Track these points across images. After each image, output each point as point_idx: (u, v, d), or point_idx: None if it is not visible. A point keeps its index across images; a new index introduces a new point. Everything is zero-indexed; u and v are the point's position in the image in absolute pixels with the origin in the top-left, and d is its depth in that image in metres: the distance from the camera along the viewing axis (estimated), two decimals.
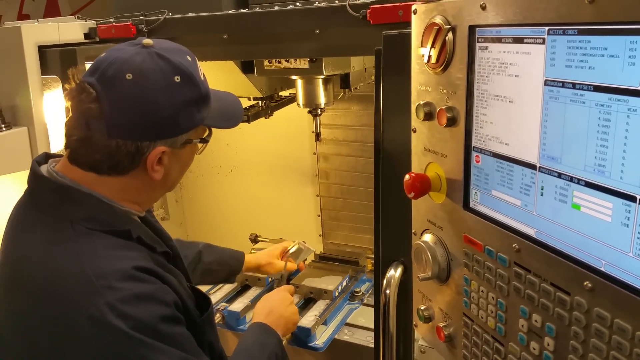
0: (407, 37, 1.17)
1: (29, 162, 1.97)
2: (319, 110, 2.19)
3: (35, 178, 1.11)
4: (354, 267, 2.26)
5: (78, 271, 0.98)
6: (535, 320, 0.85)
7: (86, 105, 1.02)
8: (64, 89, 1.06)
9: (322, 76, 2.05)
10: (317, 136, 2.30)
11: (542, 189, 0.82)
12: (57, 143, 2.04)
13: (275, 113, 2.42)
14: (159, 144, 1.07)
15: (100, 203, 1.08)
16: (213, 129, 1.22)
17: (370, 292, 2.18)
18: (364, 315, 2.04)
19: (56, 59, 1.94)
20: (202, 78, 1.15)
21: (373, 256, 2.43)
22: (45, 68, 1.96)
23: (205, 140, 1.20)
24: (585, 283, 0.75)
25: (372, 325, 1.89)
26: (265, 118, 2.35)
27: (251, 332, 1.47)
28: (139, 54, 1.06)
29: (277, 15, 1.78)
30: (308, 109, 2.21)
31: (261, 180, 2.86)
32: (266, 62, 2.02)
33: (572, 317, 0.78)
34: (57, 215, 1.06)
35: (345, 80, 2.13)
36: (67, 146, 1.10)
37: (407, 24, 1.52)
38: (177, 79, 1.06)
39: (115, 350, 0.96)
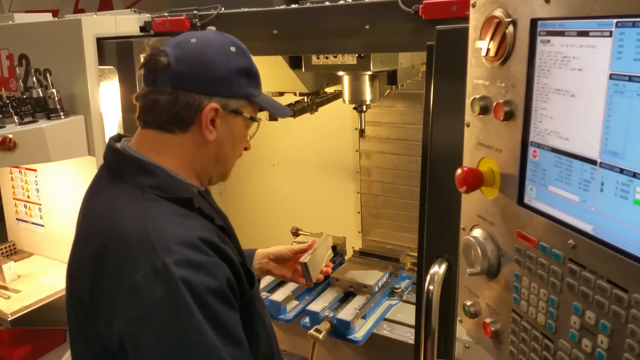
0: (461, 32, 1.16)
1: (85, 149, 2.10)
2: (364, 106, 2.20)
3: (111, 152, 1.23)
4: (394, 263, 2.26)
5: (142, 232, 1.07)
6: (589, 318, 0.84)
7: (155, 59, 1.17)
8: (139, 59, 1.21)
9: (370, 72, 2.06)
10: (362, 133, 2.32)
11: (602, 185, 0.81)
12: (111, 132, 2.13)
13: (319, 110, 2.44)
14: (213, 100, 1.18)
15: (167, 174, 1.19)
16: (262, 120, 1.32)
17: (410, 289, 2.18)
18: (404, 312, 2.04)
19: (113, 51, 2.02)
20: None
21: (413, 254, 2.44)
22: (102, 59, 2.04)
23: (255, 119, 1.27)
24: None
25: (411, 322, 1.89)
26: (311, 113, 2.37)
27: None
28: (203, 30, 1.25)
29: (328, 10, 1.80)
30: (353, 106, 2.22)
31: (303, 176, 2.89)
32: (314, 58, 2.05)
33: (630, 315, 0.76)
34: (129, 183, 1.17)
35: (392, 77, 2.13)
36: (138, 113, 1.21)
37: (460, 20, 1.53)
38: (232, 49, 1.22)
39: (158, 309, 1.01)
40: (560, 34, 0.86)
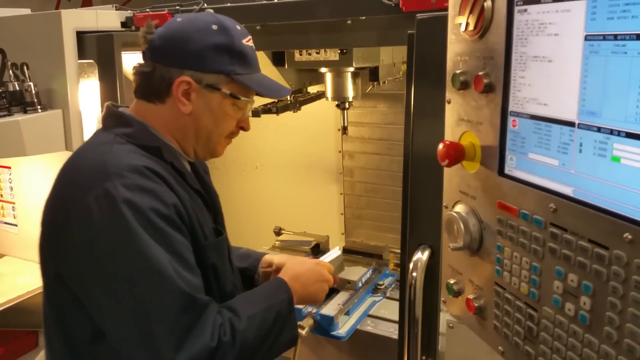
0: (441, 20, 1.18)
1: (62, 144, 2.07)
2: (347, 103, 2.21)
3: (106, 111, 1.33)
4: (378, 260, 2.25)
5: (98, 162, 1.16)
6: (572, 280, 0.84)
7: (143, 36, 1.27)
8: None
9: (352, 69, 2.08)
10: (344, 130, 2.32)
11: (581, 146, 0.82)
12: (90, 128, 2.10)
13: (301, 110, 2.44)
14: (185, 73, 1.24)
15: (144, 127, 1.27)
16: (254, 106, 1.38)
17: (393, 286, 2.17)
18: (387, 308, 2.03)
19: (93, 44, 2.01)
20: (245, 42, 1.30)
21: (396, 250, 2.43)
22: (82, 53, 2.03)
23: (235, 96, 1.28)
24: (624, 235, 0.74)
25: (395, 318, 1.88)
26: (294, 112, 2.37)
27: (267, 284, 1.44)
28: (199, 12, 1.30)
29: (310, 5, 1.82)
30: (336, 103, 2.23)
31: (286, 178, 2.88)
32: (297, 54, 2.06)
33: (611, 272, 0.77)
34: (107, 132, 1.28)
35: (374, 74, 2.15)
36: (134, 88, 1.32)
37: (439, 12, 1.56)
38: (214, 27, 1.26)
39: (103, 229, 1.10)
40: (537, 1, 0.88)
